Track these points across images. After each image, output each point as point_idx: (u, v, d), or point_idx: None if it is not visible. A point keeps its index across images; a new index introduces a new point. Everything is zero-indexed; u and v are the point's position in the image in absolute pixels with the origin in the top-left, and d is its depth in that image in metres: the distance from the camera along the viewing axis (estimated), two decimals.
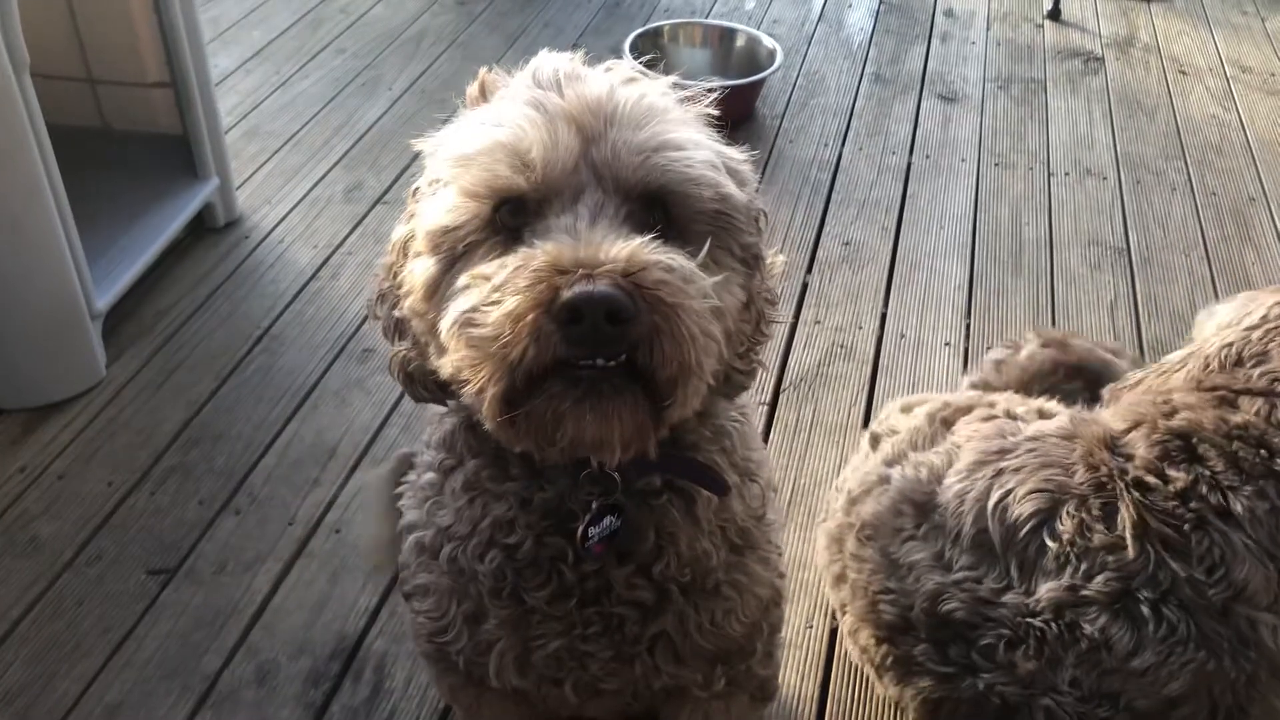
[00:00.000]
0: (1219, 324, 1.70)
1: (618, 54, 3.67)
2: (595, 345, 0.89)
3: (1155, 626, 1.40)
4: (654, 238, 0.95)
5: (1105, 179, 3.43)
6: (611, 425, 0.93)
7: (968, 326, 2.77)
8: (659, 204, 1.00)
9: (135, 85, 2.89)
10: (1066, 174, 3.45)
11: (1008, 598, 1.48)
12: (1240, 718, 1.44)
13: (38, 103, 2.17)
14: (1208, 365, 1.59)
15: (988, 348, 2.65)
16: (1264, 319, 1.60)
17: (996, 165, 3.49)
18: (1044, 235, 3.14)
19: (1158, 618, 1.40)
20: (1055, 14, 4.48)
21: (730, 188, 1.03)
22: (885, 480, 1.71)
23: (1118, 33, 4.41)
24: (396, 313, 1.11)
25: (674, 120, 1.03)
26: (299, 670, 1.90)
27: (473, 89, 1.12)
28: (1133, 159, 3.54)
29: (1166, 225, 3.21)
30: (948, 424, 1.78)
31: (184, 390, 2.48)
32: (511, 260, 0.92)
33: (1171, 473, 1.47)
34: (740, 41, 3.85)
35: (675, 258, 0.94)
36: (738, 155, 1.09)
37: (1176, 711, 1.42)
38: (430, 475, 1.25)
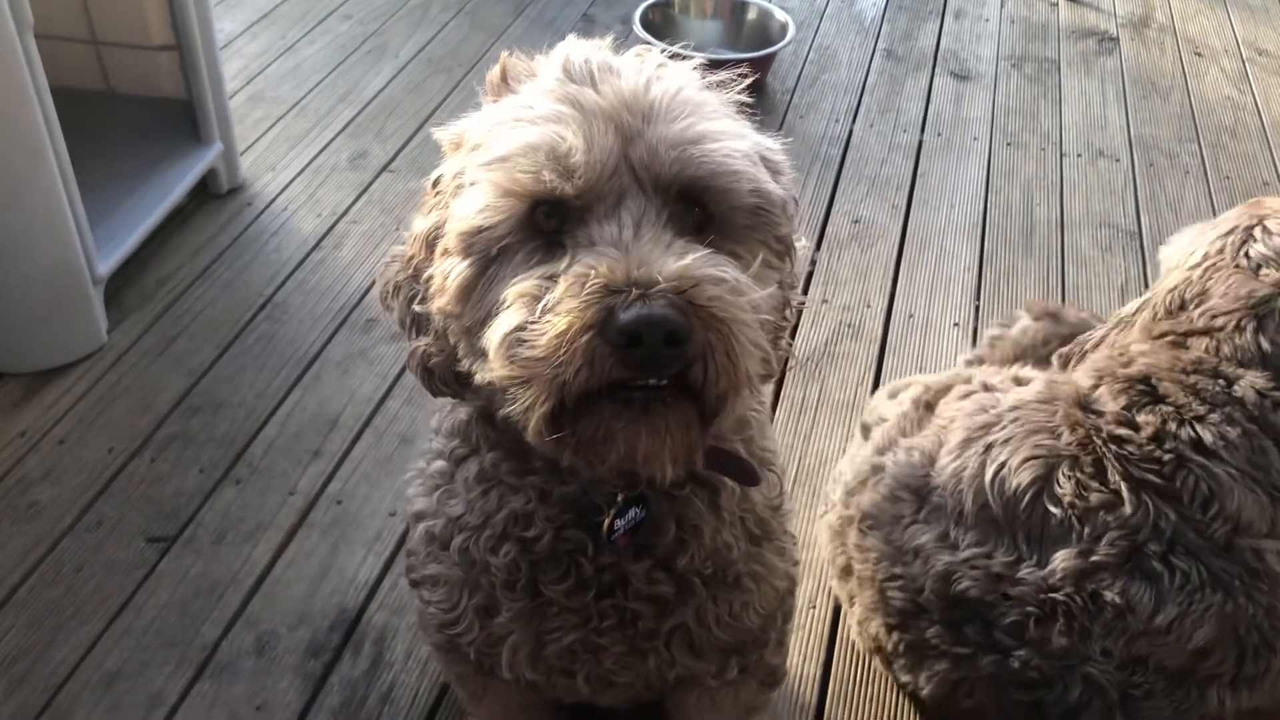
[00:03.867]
0: (1168, 265, 1.73)
1: (627, 24, 3.63)
2: (652, 367, 0.87)
3: (1170, 578, 1.41)
4: (695, 237, 0.94)
5: (1118, 161, 3.39)
6: (663, 443, 0.92)
7: (977, 307, 2.74)
8: (697, 199, 0.98)
9: (140, 48, 2.86)
10: (1079, 155, 3.41)
11: (1024, 573, 1.48)
12: (1268, 655, 1.45)
13: (41, 64, 2.14)
14: (1155, 313, 1.62)
15: None
16: (1205, 256, 1.62)
17: (1009, 145, 3.45)
18: (1055, 216, 3.11)
19: (1170, 569, 1.41)
20: None
21: (767, 181, 1.01)
22: (879, 469, 1.72)
23: (1133, 12, 4.36)
24: (417, 307, 1.08)
25: (711, 112, 1.00)
26: (298, 641, 1.89)
27: (494, 74, 1.08)
28: (1146, 141, 3.50)
29: (1179, 209, 3.17)
30: (930, 407, 1.78)
31: (185, 358, 2.46)
32: (561, 277, 0.90)
33: (1140, 419, 1.48)
34: (752, 14, 3.80)
35: (726, 269, 0.92)
36: (774, 145, 1.07)
37: (1206, 662, 1.43)
38: (440, 463, 1.23)
